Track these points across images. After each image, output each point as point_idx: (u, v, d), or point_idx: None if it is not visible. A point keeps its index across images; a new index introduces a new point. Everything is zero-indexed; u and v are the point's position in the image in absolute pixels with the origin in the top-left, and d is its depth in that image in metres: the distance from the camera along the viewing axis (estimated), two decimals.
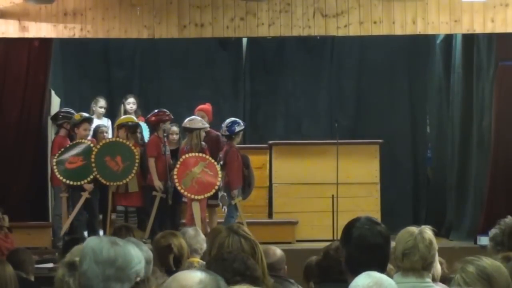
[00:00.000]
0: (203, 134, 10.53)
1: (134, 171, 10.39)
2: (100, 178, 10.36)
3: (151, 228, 10.37)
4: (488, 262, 3.31)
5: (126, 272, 3.05)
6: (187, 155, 10.34)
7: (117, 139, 10.65)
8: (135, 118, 11.12)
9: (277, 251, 5.29)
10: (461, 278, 3.20)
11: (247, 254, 3.73)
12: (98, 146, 10.44)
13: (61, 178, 10.33)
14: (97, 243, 3.07)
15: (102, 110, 11.81)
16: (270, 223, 11.35)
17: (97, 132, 10.98)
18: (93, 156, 10.33)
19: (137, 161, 10.42)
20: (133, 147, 10.48)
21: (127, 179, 10.40)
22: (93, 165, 10.31)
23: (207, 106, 11.08)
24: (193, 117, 10.60)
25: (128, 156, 10.43)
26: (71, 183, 10.35)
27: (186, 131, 10.56)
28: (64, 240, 9.86)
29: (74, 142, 10.57)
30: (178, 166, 10.31)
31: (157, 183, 10.42)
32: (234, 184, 10.40)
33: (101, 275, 3.02)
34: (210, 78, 13.48)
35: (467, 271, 3.20)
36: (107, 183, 10.43)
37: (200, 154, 10.36)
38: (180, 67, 13.36)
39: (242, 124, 10.64)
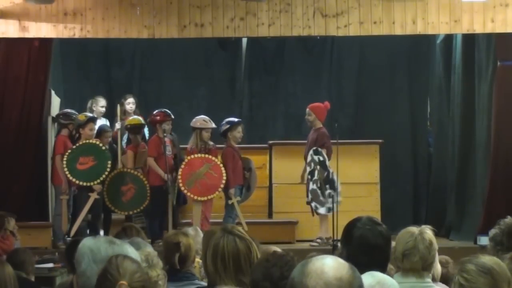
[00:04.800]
0: (205, 134, 10.48)
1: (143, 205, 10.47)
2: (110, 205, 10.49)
3: (150, 228, 10.40)
4: (486, 257, 3.31)
5: None
6: (192, 156, 10.33)
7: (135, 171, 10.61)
8: (141, 120, 11.05)
9: (277, 251, 5.28)
10: (462, 278, 3.19)
11: (243, 253, 3.73)
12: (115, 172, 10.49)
13: (72, 179, 10.31)
14: (94, 243, 3.09)
15: (104, 110, 11.80)
16: (270, 223, 11.35)
17: (102, 132, 10.88)
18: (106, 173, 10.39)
19: (147, 197, 10.44)
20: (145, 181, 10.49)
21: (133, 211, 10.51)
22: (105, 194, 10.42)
23: (319, 105, 10.93)
24: (198, 116, 10.60)
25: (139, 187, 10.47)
26: (82, 183, 10.34)
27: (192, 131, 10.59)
28: (66, 241, 9.88)
29: (83, 142, 10.49)
30: (183, 166, 10.30)
31: (161, 173, 10.41)
32: (230, 183, 10.39)
33: None
34: (210, 78, 13.49)
35: (466, 270, 3.19)
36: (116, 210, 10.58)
37: (206, 156, 10.35)
38: (180, 67, 13.36)
39: (230, 122, 10.59)
